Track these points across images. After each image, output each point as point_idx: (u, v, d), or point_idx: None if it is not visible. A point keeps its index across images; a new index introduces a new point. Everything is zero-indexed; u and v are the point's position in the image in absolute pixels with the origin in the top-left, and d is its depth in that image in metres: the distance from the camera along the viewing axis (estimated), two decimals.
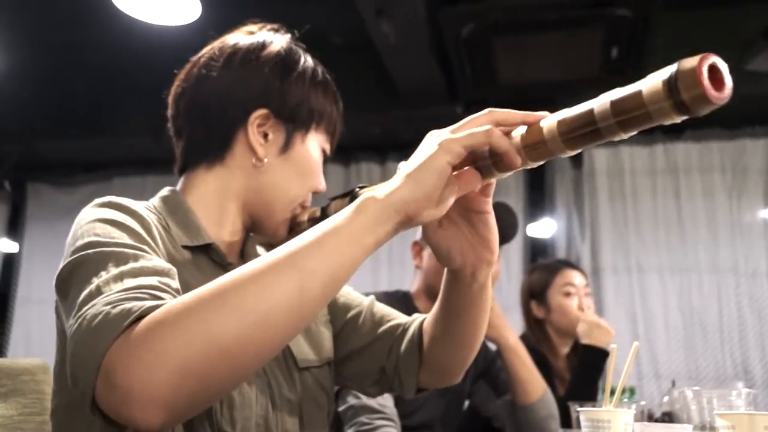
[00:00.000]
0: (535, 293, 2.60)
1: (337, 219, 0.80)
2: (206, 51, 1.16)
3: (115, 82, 4.08)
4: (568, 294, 2.52)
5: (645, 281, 4.17)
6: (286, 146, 1.12)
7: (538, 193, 4.47)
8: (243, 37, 1.17)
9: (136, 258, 0.86)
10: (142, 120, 4.39)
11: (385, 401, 1.79)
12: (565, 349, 2.52)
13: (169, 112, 1.17)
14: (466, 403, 2.32)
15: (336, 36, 3.72)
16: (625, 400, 2.45)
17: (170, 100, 1.16)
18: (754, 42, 3.34)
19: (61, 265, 0.88)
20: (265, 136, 1.12)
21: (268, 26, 1.20)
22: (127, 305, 0.74)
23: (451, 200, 0.83)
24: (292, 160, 1.13)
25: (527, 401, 2.04)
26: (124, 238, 0.90)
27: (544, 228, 4.50)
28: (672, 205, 4.21)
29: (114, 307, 0.74)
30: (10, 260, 5.12)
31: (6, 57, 3.81)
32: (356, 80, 4.23)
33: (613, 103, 0.72)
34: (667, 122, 0.70)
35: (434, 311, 1.12)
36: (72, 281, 0.84)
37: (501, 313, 2.06)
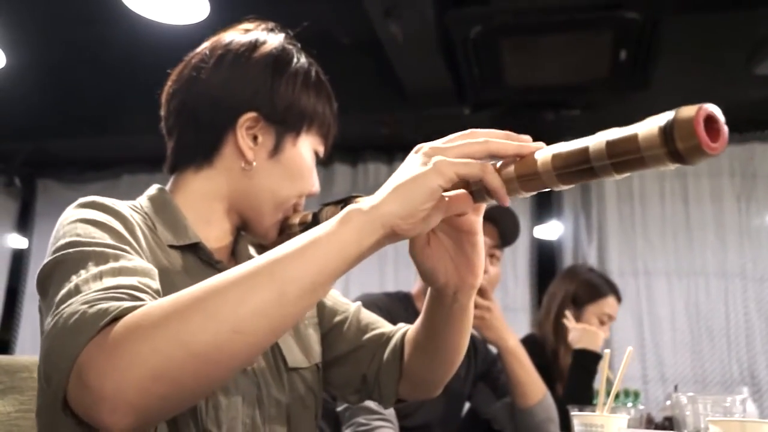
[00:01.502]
0: (577, 301, 2.62)
1: (322, 229, 0.79)
2: (199, 50, 1.15)
3: (124, 81, 4.10)
4: (602, 322, 2.58)
5: (652, 284, 4.15)
6: (276, 149, 1.11)
7: (546, 194, 4.46)
8: (236, 35, 1.15)
9: (116, 258, 0.86)
10: (151, 118, 4.40)
11: None
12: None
13: (161, 111, 1.16)
14: (466, 405, 2.32)
15: (344, 36, 3.73)
16: (630, 404, 2.45)
17: (162, 99, 1.16)
18: (763, 46, 3.33)
19: (42, 265, 0.88)
20: (255, 139, 1.10)
21: (263, 24, 1.18)
22: (104, 305, 0.74)
23: (438, 219, 0.82)
24: (282, 164, 1.12)
25: (527, 404, 2.04)
26: (105, 238, 0.90)
27: (551, 230, 4.49)
28: (680, 209, 4.19)
29: (91, 306, 0.74)
30: (20, 256, 5.15)
31: (16, 55, 3.83)
32: (364, 80, 4.23)
33: (609, 144, 0.71)
34: (662, 168, 0.70)
35: (416, 325, 1.13)
36: (52, 280, 0.84)
37: (501, 316, 2.06)
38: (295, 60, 1.14)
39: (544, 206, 4.47)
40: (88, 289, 0.78)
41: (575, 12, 3.17)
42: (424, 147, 0.83)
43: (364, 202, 0.81)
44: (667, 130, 0.66)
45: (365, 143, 4.51)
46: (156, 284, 0.86)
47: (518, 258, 4.32)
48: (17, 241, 5.22)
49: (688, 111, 0.65)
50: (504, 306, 4.39)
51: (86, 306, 0.74)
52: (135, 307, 0.74)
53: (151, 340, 0.70)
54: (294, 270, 0.75)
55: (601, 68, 3.52)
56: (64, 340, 0.73)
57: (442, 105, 3.92)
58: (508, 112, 3.95)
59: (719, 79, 3.68)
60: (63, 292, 0.80)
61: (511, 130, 0.85)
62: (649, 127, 0.68)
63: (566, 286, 2.67)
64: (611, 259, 4.21)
